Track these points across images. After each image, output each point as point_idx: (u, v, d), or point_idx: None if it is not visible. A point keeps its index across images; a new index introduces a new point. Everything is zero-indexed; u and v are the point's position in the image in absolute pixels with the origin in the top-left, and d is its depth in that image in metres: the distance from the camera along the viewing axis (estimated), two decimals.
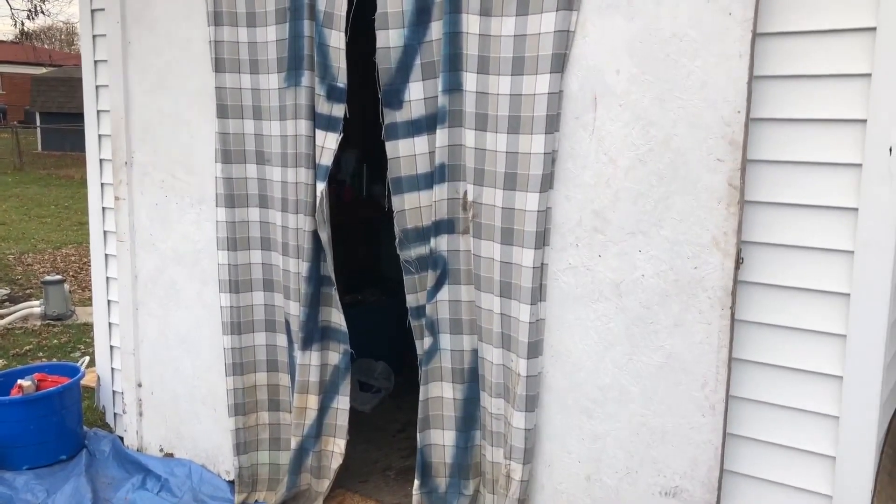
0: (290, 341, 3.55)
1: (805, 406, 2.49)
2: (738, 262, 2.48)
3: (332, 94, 3.20)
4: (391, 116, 3.03)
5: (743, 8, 2.36)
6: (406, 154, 3.05)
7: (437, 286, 3.10)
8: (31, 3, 17.02)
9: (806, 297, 2.46)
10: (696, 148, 2.48)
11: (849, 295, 2.37)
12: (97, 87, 4.10)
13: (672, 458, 2.66)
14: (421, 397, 3.21)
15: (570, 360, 2.84)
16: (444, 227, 3.06)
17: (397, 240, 3.11)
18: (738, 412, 2.60)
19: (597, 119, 2.66)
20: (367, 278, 5.64)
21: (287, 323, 3.54)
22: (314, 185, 3.29)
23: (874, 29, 2.25)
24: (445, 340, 3.14)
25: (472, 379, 3.15)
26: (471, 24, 2.83)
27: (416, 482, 3.27)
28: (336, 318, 3.47)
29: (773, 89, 2.44)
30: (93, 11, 4.03)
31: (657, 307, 2.62)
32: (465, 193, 2.99)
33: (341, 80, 3.18)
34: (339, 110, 3.21)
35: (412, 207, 3.10)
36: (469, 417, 3.20)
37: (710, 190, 2.47)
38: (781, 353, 2.52)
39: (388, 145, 3.05)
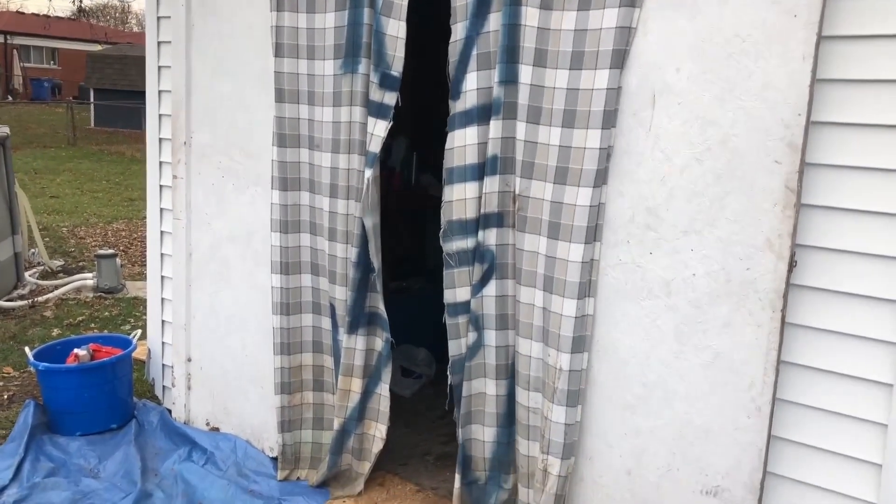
0: (335, 324, 3.62)
1: (853, 412, 2.48)
2: (792, 264, 2.47)
3: (385, 82, 3.24)
4: (452, 107, 3.06)
5: (808, 10, 2.34)
6: (459, 144, 3.07)
7: (484, 281, 3.12)
8: None
9: (860, 303, 2.44)
10: (754, 149, 2.48)
11: None
12: (160, 67, 4.20)
13: (715, 458, 2.67)
14: (464, 393, 3.23)
15: (616, 356, 2.86)
16: (494, 220, 3.07)
17: (442, 231, 3.14)
18: (785, 415, 2.60)
19: (654, 116, 2.66)
20: (413, 266, 5.69)
21: (332, 307, 3.60)
22: (364, 171, 3.34)
23: None
24: (490, 337, 3.16)
25: (512, 375, 3.17)
26: (530, 16, 2.84)
27: (458, 475, 3.31)
28: (381, 304, 3.52)
29: (837, 93, 2.41)
30: None
31: (707, 307, 2.63)
32: (514, 187, 3.01)
33: (395, 69, 3.21)
34: (390, 98, 3.25)
35: (458, 199, 3.11)
36: (510, 413, 3.22)
37: (767, 192, 2.47)
38: (832, 359, 2.51)
39: (448, 136, 3.08)
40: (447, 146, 3.09)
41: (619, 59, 2.68)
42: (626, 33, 2.67)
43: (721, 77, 2.52)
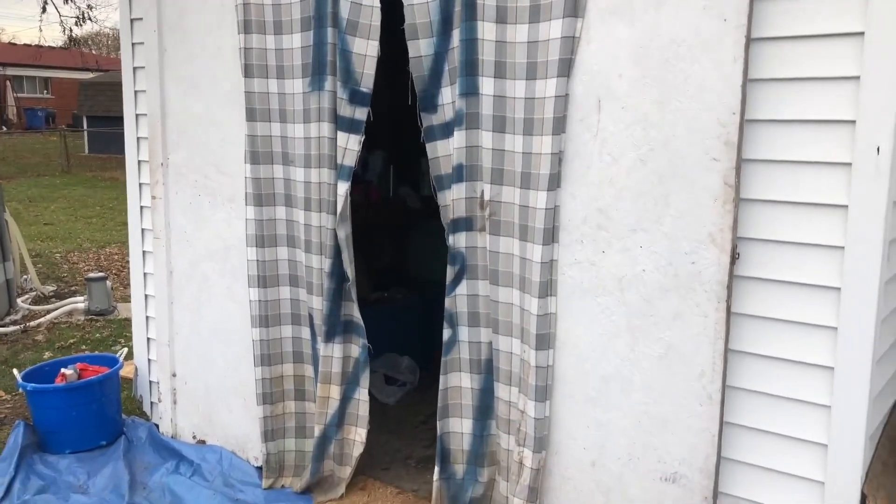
0: (314, 334, 3.73)
1: (798, 396, 2.59)
2: (734, 257, 2.58)
3: (355, 98, 3.36)
4: (428, 120, 3.20)
5: (737, 14, 2.47)
6: (444, 154, 3.20)
7: (456, 281, 3.24)
8: (79, 9, 17.57)
9: (799, 290, 2.56)
10: (693, 148, 2.60)
11: (839, 289, 2.46)
12: (136, 92, 4.33)
13: (672, 446, 2.77)
14: (441, 386, 3.36)
15: (576, 352, 2.97)
16: (463, 224, 3.20)
17: (447, 232, 3.23)
18: (735, 402, 2.70)
19: (600, 121, 2.78)
20: (394, 277, 5.80)
21: (310, 317, 3.71)
22: (336, 185, 3.46)
23: (862, 34, 2.34)
24: (464, 333, 3.29)
25: (487, 370, 3.29)
26: (486, 31, 2.98)
27: (437, 468, 3.42)
28: (356, 312, 3.63)
29: (768, 92, 2.54)
30: (132, 21, 4.26)
31: (657, 300, 2.74)
32: (482, 193, 3.13)
33: (365, 85, 3.34)
34: (361, 113, 3.37)
35: (457, 198, 3.20)
36: (484, 407, 3.34)
37: (707, 188, 2.58)
38: (776, 345, 2.62)
39: (429, 147, 3.21)
40: (431, 155, 3.21)
41: (566, 68, 2.81)
42: (570, 42, 2.79)
43: (660, 81, 2.64)
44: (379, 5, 3.24)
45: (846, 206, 2.43)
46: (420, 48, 3.15)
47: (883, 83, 2.32)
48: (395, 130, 5.39)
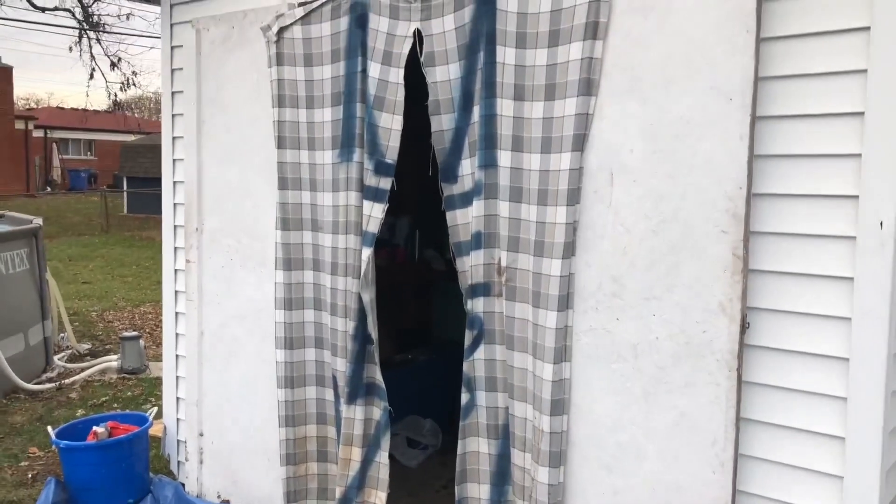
0: (337, 396, 3.82)
1: (810, 465, 2.61)
2: (744, 326, 2.64)
3: (380, 169, 3.52)
4: (449, 189, 3.34)
5: (742, 95, 2.59)
6: (463, 222, 3.34)
7: (474, 346, 3.33)
8: (125, 76, 18.34)
9: (809, 360, 2.60)
10: (702, 220, 2.69)
11: (848, 359, 2.51)
12: (174, 160, 4.55)
13: None
14: (459, 451, 3.42)
15: (591, 418, 3.02)
16: (481, 290, 3.30)
17: (465, 297, 3.34)
18: (748, 470, 2.73)
19: (614, 193, 2.89)
20: (418, 338, 5.88)
21: (334, 378, 3.81)
22: (360, 251, 3.59)
23: (863, 113, 2.44)
24: (482, 398, 3.35)
25: (504, 435, 3.34)
26: (505, 107, 3.13)
27: None
28: (378, 375, 3.72)
29: (775, 167, 2.63)
30: (173, 93, 4.51)
31: (670, 368, 2.80)
32: (500, 259, 3.24)
33: (390, 157, 3.50)
34: (386, 183, 3.52)
35: (476, 264, 3.32)
36: (501, 472, 3.37)
37: (716, 259, 2.67)
38: (787, 414, 2.65)
39: (448, 215, 3.35)
40: (450, 223, 3.35)
41: (580, 143, 2.94)
42: (584, 119, 2.93)
43: (670, 156, 2.75)
44: (403, 82, 3.42)
45: (852, 279, 2.49)
46: (442, 123, 3.32)
47: (884, 160, 2.41)
48: (421, 196, 5.55)
